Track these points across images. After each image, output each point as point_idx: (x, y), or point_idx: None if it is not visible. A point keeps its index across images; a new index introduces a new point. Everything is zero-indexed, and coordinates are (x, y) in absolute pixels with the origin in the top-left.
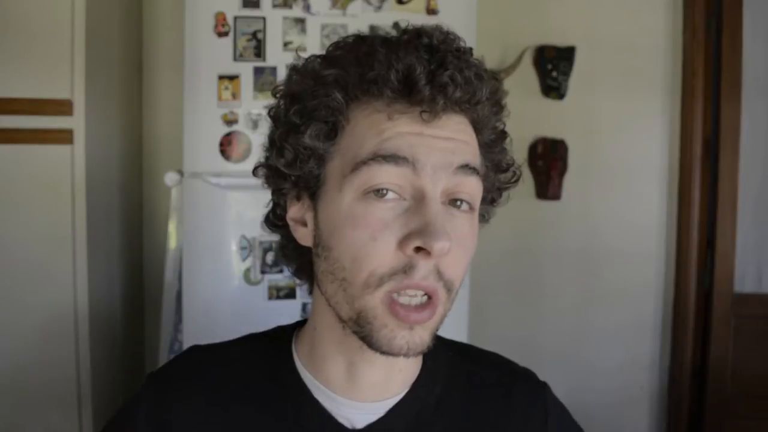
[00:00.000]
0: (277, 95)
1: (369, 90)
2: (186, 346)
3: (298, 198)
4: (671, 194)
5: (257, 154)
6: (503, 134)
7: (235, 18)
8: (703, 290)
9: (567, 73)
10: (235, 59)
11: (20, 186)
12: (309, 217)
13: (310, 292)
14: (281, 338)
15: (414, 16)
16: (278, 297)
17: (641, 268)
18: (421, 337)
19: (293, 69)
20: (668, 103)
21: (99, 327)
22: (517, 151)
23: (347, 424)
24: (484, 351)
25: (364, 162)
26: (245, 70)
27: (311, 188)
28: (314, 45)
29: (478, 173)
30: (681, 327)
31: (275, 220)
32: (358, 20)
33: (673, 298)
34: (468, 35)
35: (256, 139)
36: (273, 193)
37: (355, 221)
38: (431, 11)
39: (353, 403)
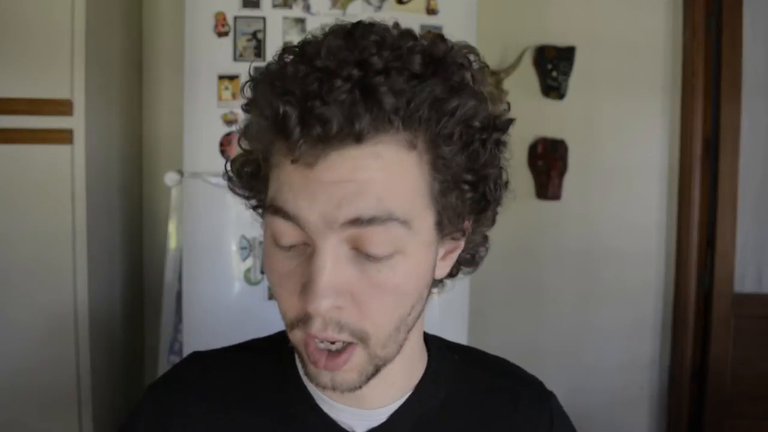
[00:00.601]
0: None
1: (278, 132)
2: (186, 346)
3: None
4: (671, 194)
5: None
6: (481, 130)
7: (235, 18)
8: (703, 290)
9: (567, 73)
10: (235, 59)
11: (20, 186)
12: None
13: None
14: (283, 344)
15: (414, 16)
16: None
17: (641, 268)
18: (344, 378)
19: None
20: (668, 103)
21: (99, 327)
22: (517, 151)
23: (349, 430)
24: (490, 355)
25: (267, 209)
26: (245, 70)
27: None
28: None
29: (380, 220)
30: (681, 327)
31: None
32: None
33: (673, 298)
34: (468, 35)
35: None
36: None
37: (269, 263)
38: (431, 11)
39: (353, 410)
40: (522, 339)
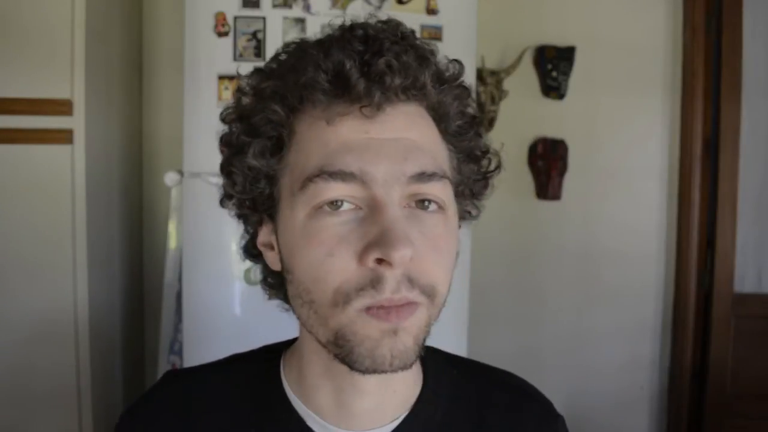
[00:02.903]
0: (226, 121)
1: (305, 97)
2: (186, 346)
3: (261, 222)
4: (671, 194)
5: None
6: (473, 119)
7: (235, 18)
8: (703, 290)
9: (567, 73)
10: (235, 59)
11: (20, 186)
12: (273, 241)
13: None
14: (269, 361)
15: (414, 16)
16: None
17: (641, 268)
18: (404, 343)
19: (238, 90)
20: (668, 103)
21: (99, 327)
22: (517, 151)
23: None
24: (493, 368)
25: (310, 179)
26: (245, 70)
27: (269, 210)
28: None
29: (438, 176)
30: (681, 327)
31: (251, 249)
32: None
33: (673, 298)
34: (468, 35)
35: None
36: (241, 220)
37: (310, 239)
38: (431, 11)
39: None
40: (522, 339)
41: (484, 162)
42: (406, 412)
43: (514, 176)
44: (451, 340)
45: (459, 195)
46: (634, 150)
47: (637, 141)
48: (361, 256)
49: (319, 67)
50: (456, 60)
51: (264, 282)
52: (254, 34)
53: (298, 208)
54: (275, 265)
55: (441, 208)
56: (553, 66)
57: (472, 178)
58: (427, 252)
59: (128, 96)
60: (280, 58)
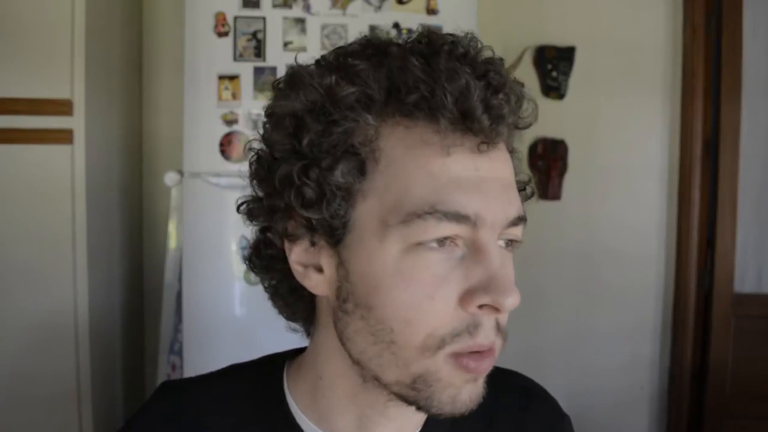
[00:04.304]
0: (271, 114)
1: (411, 113)
2: (186, 346)
3: (313, 243)
4: (671, 194)
5: None
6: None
7: (235, 18)
8: (703, 290)
9: (567, 73)
10: (235, 59)
11: (20, 186)
12: (328, 264)
13: (309, 335)
14: (270, 374)
15: (414, 16)
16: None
17: (641, 268)
18: (481, 388)
19: (291, 80)
20: (668, 103)
21: (99, 327)
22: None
23: None
24: (500, 369)
25: (419, 215)
26: (245, 70)
27: (335, 233)
28: (314, 45)
29: (525, 219)
30: (681, 327)
31: (265, 260)
32: (358, 20)
33: (673, 298)
34: None
35: None
36: (262, 231)
37: (406, 279)
38: (431, 11)
39: None
40: (522, 339)
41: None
42: (419, 428)
43: None
44: None
45: None
46: (634, 150)
47: (637, 141)
48: (464, 299)
49: (441, 85)
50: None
51: (273, 293)
52: (254, 34)
53: (391, 241)
54: (318, 288)
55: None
56: (553, 66)
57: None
58: None
59: (128, 96)
60: (353, 57)
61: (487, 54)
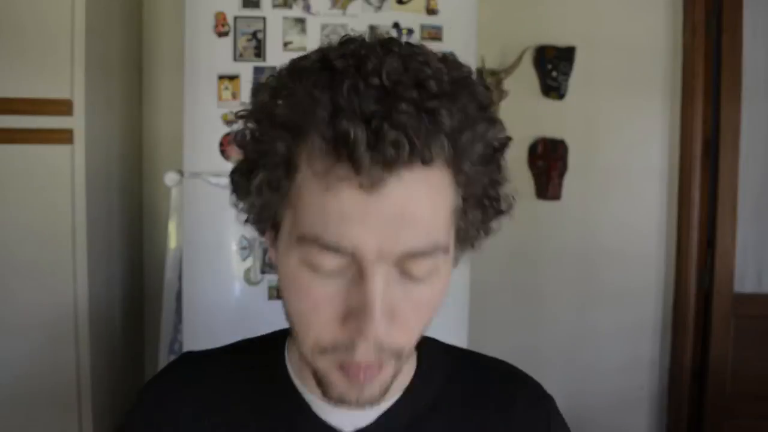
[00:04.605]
0: (242, 117)
1: (308, 141)
2: (186, 346)
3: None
4: (671, 194)
5: None
6: (498, 150)
7: (235, 18)
8: (703, 290)
9: (567, 73)
10: (235, 59)
11: (20, 186)
12: (273, 253)
13: None
14: (275, 345)
15: (414, 16)
16: (278, 297)
17: (641, 268)
18: (371, 393)
19: (261, 88)
20: (668, 103)
21: (99, 327)
22: (517, 151)
23: (339, 429)
24: (485, 356)
25: (306, 241)
26: (245, 70)
27: (273, 223)
28: (314, 45)
29: (429, 253)
30: (681, 327)
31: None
32: (358, 20)
33: (673, 298)
34: (468, 35)
35: None
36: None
37: (299, 289)
38: (431, 11)
39: (342, 410)
40: (522, 340)
41: (499, 202)
42: (400, 393)
43: (514, 176)
44: (451, 340)
45: (461, 240)
46: (634, 150)
47: (637, 141)
48: (342, 319)
49: (325, 120)
50: (486, 86)
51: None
52: (254, 34)
53: (292, 254)
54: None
55: (431, 274)
56: (553, 66)
57: (477, 225)
58: (407, 317)
59: (128, 96)
60: (292, 74)
61: (426, 72)
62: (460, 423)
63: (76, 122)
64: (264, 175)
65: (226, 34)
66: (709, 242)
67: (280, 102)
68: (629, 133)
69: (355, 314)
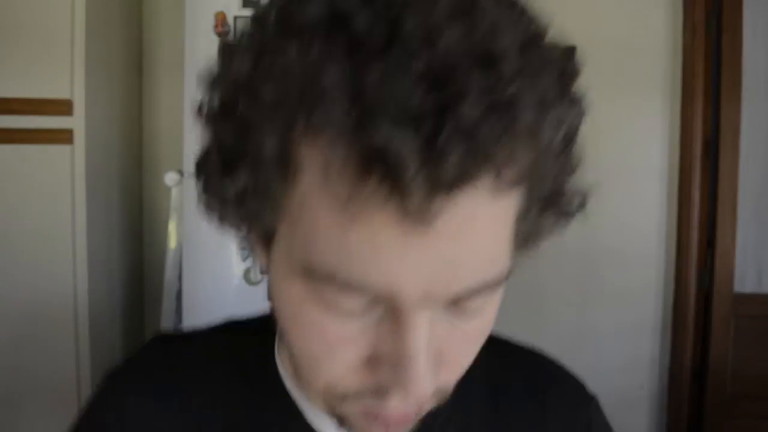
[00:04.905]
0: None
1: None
2: None
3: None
4: (671, 194)
5: None
6: (575, 134)
7: (235, 18)
8: (703, 290)
9: None
10: None
11: (20, 186)
12: (263, 261)
13: None
14: (265, 332)
15: None
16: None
17: (641, 268)
18: (407, 425)
19: (236, 49)
20: (668, 103)
21: (99, 326)
22: None
23: None
24: (515, 345)
25: (317, 278)
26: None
27: (264, 230)
28: None
29: (489, 288)
30: (681, 327)
31: None
32: None
33: (673, 298)
34: None
35: None
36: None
37: (306, 328)
38: None
39: None
40: (521, 339)
41: (564, 206)
42: None
43: None
44: None
45: (518, 248)
46: (634, 150)
47: (637, 141)
48: (370, 362)
49: (349, 117)
50: (570, 47)
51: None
52: None
53: (294, 283)
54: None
55: (485, 304)
56: None
57: (542, 228)
58: (455, 352)
59: (128, 96)
60: (281, 37)
61: (497, 39)
62: (481, 429)
63: (76, 122)
64: (247, 178)
65: (226, 34)
66: (709, 242)
67: (265, 74)
68: (629, 133)
69: (387, 360)
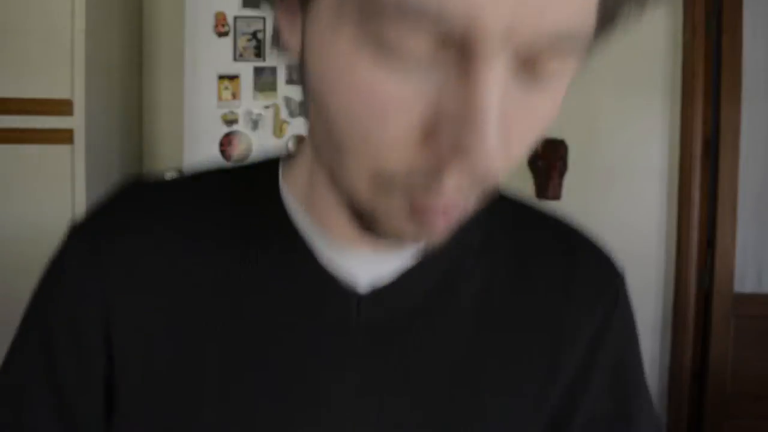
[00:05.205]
0: None
1: None
2: None
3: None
4: (671, 194)
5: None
6: None
7: (235, 18)
8: (703, 290)
9: None
10: (235, 59)
11: (20, 186)
12: (296, 41)
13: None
14: (267, 167)
15: None
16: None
17: (641, 268)
18: (437, 239)
19: None
20: (668, 103)
21: None
22: None
23: (349, 282)
24: (543, 208)
25: (375, 10)
26: (245, 70)
27: None
28: None
29: (581, 39)
30: (681, 327)
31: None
32: None
33: (673, 298)
34: None
35: (256, 139)
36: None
37: (354, 88)
38: None
39: (359, 251)
40: None
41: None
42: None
43: (514, 176)
44: None
45: (601, 18)
46: (634, 150)
47: (637, 141)
48: (429, 133)
49: None
50: None
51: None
52: (254, 34)
53: (343, 30)
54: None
55: (559, 76)
56: None
57: (625, 7)
58: (516, 134)
59: (128, 96)
60: None
61: None
62: (506, 294)
63: (76, 122)
64: None
65: (226, 34)
66: (709, 242)
67: None
68: (629, 132)
69: (452, 121)
